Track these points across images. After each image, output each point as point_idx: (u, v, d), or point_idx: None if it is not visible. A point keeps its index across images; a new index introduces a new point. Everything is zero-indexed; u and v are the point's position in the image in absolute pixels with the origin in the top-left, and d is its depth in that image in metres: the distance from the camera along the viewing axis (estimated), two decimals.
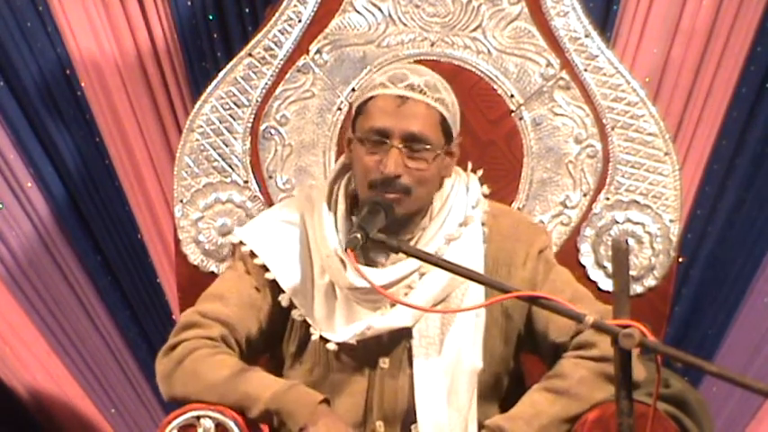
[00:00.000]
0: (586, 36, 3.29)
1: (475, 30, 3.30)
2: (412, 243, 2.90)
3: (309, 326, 2.93)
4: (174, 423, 2.79)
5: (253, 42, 3.32)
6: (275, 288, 2.95)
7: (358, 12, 3.31)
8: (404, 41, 3.31)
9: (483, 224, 2.98)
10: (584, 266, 3.28)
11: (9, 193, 3.79)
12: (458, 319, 2.90)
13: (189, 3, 3.74)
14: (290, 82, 3.31)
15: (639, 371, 2.75)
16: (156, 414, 3.88)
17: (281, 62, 3.31)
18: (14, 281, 3.81)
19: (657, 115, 3.29)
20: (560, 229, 3.29)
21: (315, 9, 3.31)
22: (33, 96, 3.77)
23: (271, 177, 3.32)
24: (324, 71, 3.31)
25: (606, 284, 3.26)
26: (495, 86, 3.29)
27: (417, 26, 3.31)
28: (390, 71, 2.92)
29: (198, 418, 2.79)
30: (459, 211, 2.95)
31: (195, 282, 3.26)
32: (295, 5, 3.31)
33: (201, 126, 3.33)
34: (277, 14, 3.31)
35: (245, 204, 3.32)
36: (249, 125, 3.32)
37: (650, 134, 3.28)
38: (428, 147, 2.85)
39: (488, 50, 3.30)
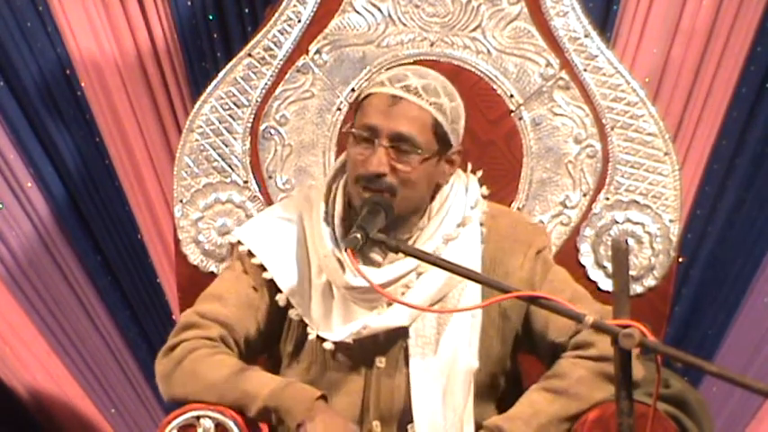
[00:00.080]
0: (586, 36, 3.29)
1: (474, 30, 3.30)
2: (410, 243, 2.90)
3: (306, 325, 2.93)
4: (174, 423, 2.79)
5: (252, 42, 3.32)
6: (273, 287, 2.96)
7: (357, 12, 3.31)
8: (403, 41, 3.31)
9: (481, 224, 2.98)
10: (583, 266, 3.28)
11: (9, 193, 3.80)
12: (454, 319, 2.91)
13: (189, 3, 3.74)
14: (289, 82, 3.32)
15: (638, 370, 2.75)
16: (156, 414, 3.88)
17: (281, 62, 3.31)
18: (14, 281, 3.81)
19: (657, 115, 3.29)
20: (560, 230, 3.29)
21: (314, 9, 3.31)
22: (33, 96, 3.77)
23: (270, 177, 3.32)
24: (323, 71, 3.31)
25: (606, 284, 3.25)
26: (495, 86, 3.29)
27: (417, 26, 3.31)
28: (394, 71, 2.94)
29: (198, 418, 2.79)
30: (457, 212, 2.95)
31: (195, 282, 3.26)
32: (295, 6, 3.31)
33: (201, 126, 3.33)
34: (277, 15, 3.31)
35: (245, 204, 3.32)
36: (249, 125, 3.32)
37: (650, 134, 3.28)
38: (415, 149, 2.85)
39: (488, 50, 3.30)
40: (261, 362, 3.02)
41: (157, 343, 3.18)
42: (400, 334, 2.91)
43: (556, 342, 2.93)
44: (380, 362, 2.92)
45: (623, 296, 2.42)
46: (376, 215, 2.82)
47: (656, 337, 2.47)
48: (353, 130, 2.89)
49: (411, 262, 2.88)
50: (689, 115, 3.73)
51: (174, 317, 3.80)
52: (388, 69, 3.08)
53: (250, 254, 2.98)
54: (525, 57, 3.29)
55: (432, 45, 3.31)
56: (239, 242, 3.00)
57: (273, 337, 2.99)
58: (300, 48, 3.31)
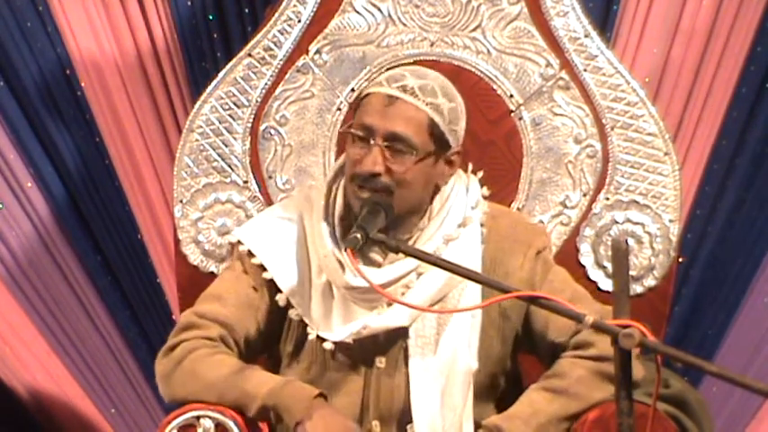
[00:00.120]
0: (586, 36, 3.29)
1: (474, 30, 3.30)
2: (410, 243, 2.90)
3: (306, 325, 2.93)
4: (174, 423, 2.79)
5: (252, 43, 3.32)
6: (272, 287, 2.96)
7: (357, 12, 3.31)
8: (403, 41, 3.31)
9: (482, 225, 2.98)
10: (583, 266, 3.28)
11: (9, 193, 3.80)
12: (454, 319, 2.91)
13: (189, 3, 3.74)
14: (289, 82, 3.32)
15: (638, 370, 2.75)
16: (156, 414, 3.88)
17: (281, 62, 3.31)
18: (14, 281, 3.81)
19: (657, 115, 3.29)
20: (560, 230, 3.29)
21: (314, 9, 3.31)
22: (33, 96, 3.77)
23: (270, 178, 3.32)
24: (323, 71, 3.31)
25: (606, 284, 3.25)
26: (495, 86, 3.29)
27: (417, 26, 3.31)
28: (393, 71, 2.94)
29: (198, 418, 2.79)
30: (458, 212, 2.95)
31: (195, 282, 3.26)
32: (294, 6, 3.31)
33: (201, 126, 3.33)
34: (277, 15, 3.31)
35: (245, 205, 3.32)
36: (249, 125, 3.32)
37: (650, 134, 3.28)
38: (411, 149, 2.85)
39: (488, 50, 3.30)
40: (261, 362, 3.02)
41: (157, 343, 3.17)
42: (400, 334, 2.91)
43: (556, 342, 2.93)
44: (380, 362, 2.92)
45: (623, 296, 2.42)
46: (376, 215, 2.82)
47: (656, 337, 2.47)
48: (351, 129, 2.89)
49: (411, 262, 2.88)
50: (689, 115, 3.73)
51: (174, 317, 3.80)
52: (388, 69, 3.08)
53: (250, 254, 2.98)
54: (525, 57, 3.29)
55: (432, 45, 3.31)
56: (239, 242, 3.01)
57: (273, 337, 2.99)
58: (300, 48, 3.31)
